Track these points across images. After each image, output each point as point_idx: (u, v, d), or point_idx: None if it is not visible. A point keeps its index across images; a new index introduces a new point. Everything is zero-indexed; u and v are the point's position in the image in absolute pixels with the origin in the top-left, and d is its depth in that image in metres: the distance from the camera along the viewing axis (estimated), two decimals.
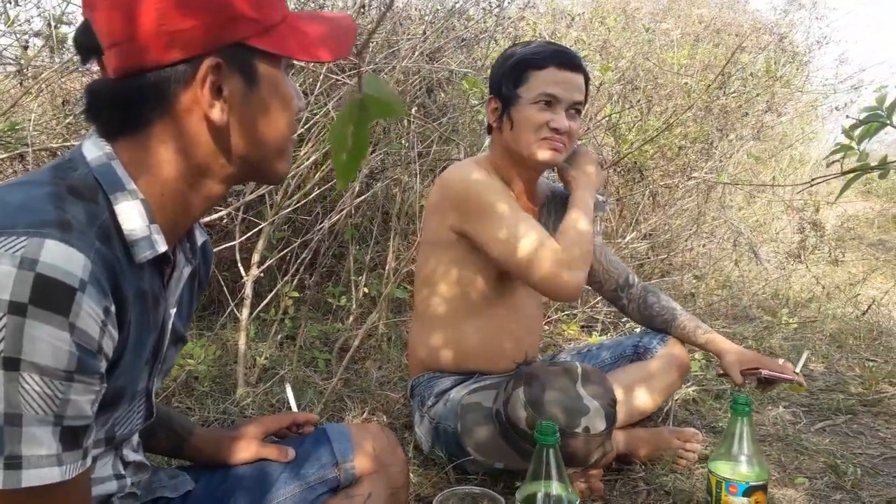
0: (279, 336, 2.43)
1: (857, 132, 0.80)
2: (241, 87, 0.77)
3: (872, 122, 0.71)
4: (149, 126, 0.77)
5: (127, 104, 0.76)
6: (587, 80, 1.59)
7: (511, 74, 1.53)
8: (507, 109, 1.56)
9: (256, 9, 0.75)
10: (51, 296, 0.64)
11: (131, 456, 0.93)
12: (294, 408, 1.26)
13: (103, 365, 0.71)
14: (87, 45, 0.76)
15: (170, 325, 0.87)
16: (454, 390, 1.60)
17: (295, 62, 0.88)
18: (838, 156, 0.87)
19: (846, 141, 0.85)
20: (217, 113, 0.76)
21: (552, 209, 1.75)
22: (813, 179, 1.18)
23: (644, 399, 1.70)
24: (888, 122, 0.64)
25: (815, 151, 6.06)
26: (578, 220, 1.52)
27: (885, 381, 2.45)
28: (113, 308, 0.71)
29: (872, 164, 0.85)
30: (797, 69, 4.00)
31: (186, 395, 2.01)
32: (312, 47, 0.80)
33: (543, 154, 1.54)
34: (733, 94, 3.55)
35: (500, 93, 1.57)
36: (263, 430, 1.15)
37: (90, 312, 0.67)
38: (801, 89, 4.07)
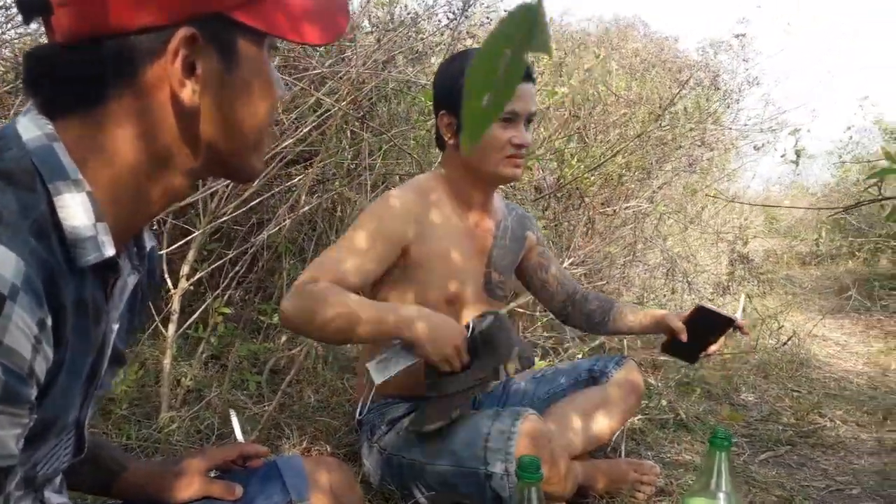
0: (203, 355, 2.25)
1: None
2: (217, 65, 0.66)
3: None
4: (103, 104, 0.64)
5: (79, 76, 0.63)
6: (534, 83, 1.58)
7: None
8: (455, 127, 1.53)
9: None
10: None
11: (54, 499, 0.78)
12: (240, 438, 1.12)
13: (34, 392, 0.57)
14: (32, 0, 0.63)
15: (110, 342, 0.73)
16: (408, 418, 1.50)
17: (278, 44, 0.77)
18: (874, 180, 0.85)
19: (886, 164, 0.82)
20: (188, 93, 0.64)
21: (509, 225, 1.70)
22: (857, 203, 1.16)
23: (603, 425, 1.65)
24: None
25: (735, 187, 6.33)
26: (359, 307, 1.32)
27: (815, 412, 2.51)
28: (49, 321, 0.57)
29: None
30: (727, 107, 4.16)
31: (103, 418, 1.80)
32: (303, 27, 0.70)
33: (508, 171, 1.52)
34: (667, 127, 3.64)
35: (454, 109, 1.52)
36: (208, 463, 1.01)
37: (21, 326, 0.53)
38: (729, 127, 4.22)
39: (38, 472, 0.70)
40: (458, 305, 1.59)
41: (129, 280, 0.75)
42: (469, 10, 2.25)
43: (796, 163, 4.81)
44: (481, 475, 1.30)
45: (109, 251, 0.65)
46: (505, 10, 3.10)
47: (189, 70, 0.64)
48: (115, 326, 0.74)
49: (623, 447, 1.89)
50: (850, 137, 8.35)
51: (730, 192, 5.70)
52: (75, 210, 0.62)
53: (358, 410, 1.60)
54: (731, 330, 1.65)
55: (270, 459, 1.07)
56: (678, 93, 2.99)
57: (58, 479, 0.80)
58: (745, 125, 4.74)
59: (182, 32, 0.62)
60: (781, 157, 5.94)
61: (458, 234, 1.56)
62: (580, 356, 2.67)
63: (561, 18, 5.49)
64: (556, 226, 3.35)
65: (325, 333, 1.31)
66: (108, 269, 0.68)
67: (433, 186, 1.56)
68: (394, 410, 1.54)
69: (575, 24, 5.83)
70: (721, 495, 1.15)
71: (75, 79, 0.63)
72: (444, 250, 1.52)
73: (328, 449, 1.75)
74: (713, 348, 1.67)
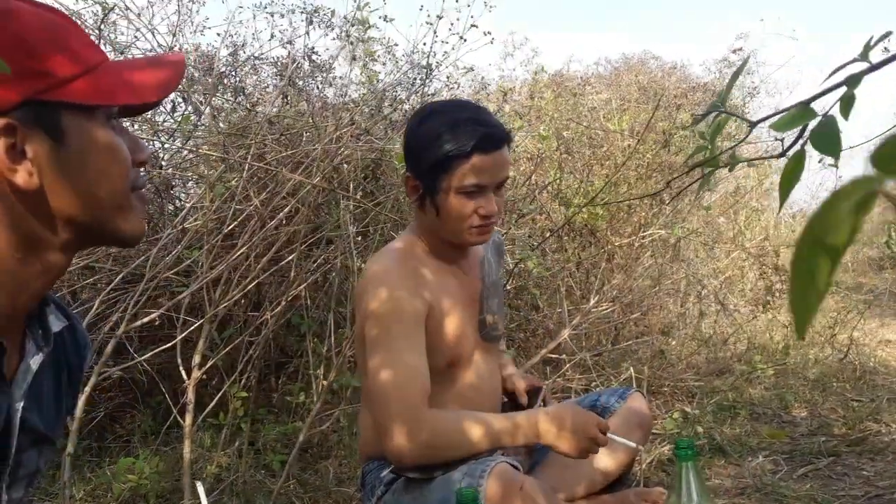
0: (237, 442, 2.31)
1: (702, 128, 0.76)
2: (48, 145, 0.70)
3: (712, 111, 0.67)
4: None
5: None
6: (510, 143, 1.45)
7: (433, 163, 1.38)
8: (431, 195, 1.41)
9: (49, 61, 0.69)
10: None
11: None
12: None
13: None
14: None
15: (16, 422, 0.78)
16: (402, 479, 1.49)
17: (115, 112, 0.81)
18: (699, 156, 0.84)
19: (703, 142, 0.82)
20: (23, 177, 0.69)
21: (490, 259, 1.63)
22: (669, 181, 1.14)
23: (605, 462, 1.59)
24: (725, 111, 0.60)
25: (775, 202, 6.13)
26: (487, 432, 1.32)
27: (870, 419, 2.35)
28: None
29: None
30: (735, 122, 4.09)
31: None
32: (124, 92, 0.74)
33: (474, 240, 1.44)
34: (678, 153, 3.60)
35: (420, 175, 1.42)
36: None
37: None
38: (745, 142, 4.14)
39: None
40: (459, 363, 1.53)
41: (33, 361, 0.80)
42: (433, 75, 2.34)
43: (836, 165, 4.66)
44: None
45: None
46: (464, 66, 3.21)
47: (21, 154, 0.69)
48: (20, 405, 0.79)
49: (642, 479, 1.82)
50: None
51: (772, 208, 5.52)
52: None
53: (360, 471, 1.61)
54: None
55: None
56: (654, 109, 2.97)
57: None
58: (764, 138, 4.63)
59: None
60: (819, 161, 5.76)
61: (450, 292, 1.50)
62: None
63: (566, 67, 5.57)
64: (578, 265, 3.32)
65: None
66: None
67: (410, 249, 1.49)
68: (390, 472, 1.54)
69: (582, 69, 5.91)
70: None
71: None
72: (443, 313, 1.47)
73: None
74: None
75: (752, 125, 0.51)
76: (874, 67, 0.48)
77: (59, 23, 0.74)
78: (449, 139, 1.36)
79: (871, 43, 0.50)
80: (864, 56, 0.49)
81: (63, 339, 0.87)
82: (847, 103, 0.48)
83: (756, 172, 5.39)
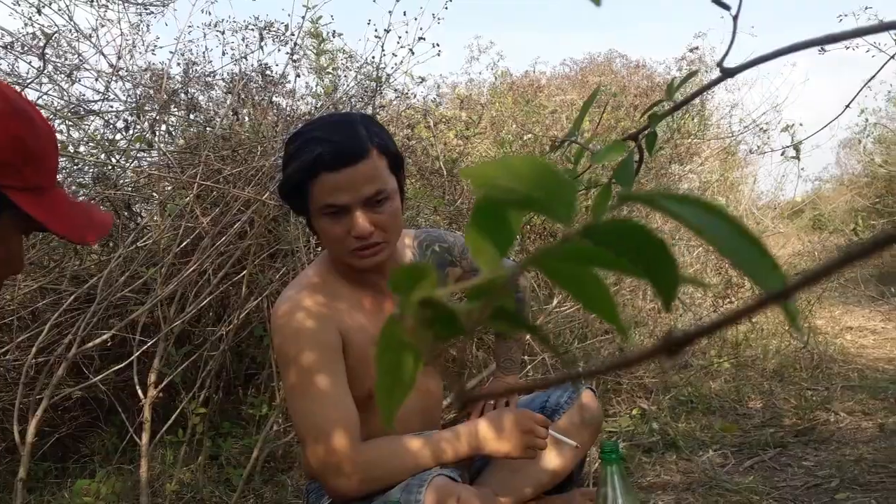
0: (199, 458, 2.31)
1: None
2: None
3: (568, 140, 0.70)
4: None
5: None
6: (390, 152, 1.31)
7: (291, 186, 1.30)
8: (307, 219, 1.35)
9: (24, 163, 0.73)
10: None
11: None
12: None
13: None
14: None
15: None
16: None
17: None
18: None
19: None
20: None
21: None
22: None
23: (553, 462, 1.62)
24: (577, 141, 0.63)
25: (745, 196, 6.22)
26: (426, 448, 1.32)
27: (821, 408, 2.41)
28: None
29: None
30: (692, 119, 4.16)
31: None
32: (69, 225, 0.79)
33: (362, 263, 1.33)
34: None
35: (288, 200, 1.36)
36: None
37: None
38: (701, 137, 4.22)
39: None
40: None
41: None
42: (382, 87, 2.36)
43: (797, 158, 4.75)
44: None
45: None
46: (418, 77, 3.25)
47: None
48: None
49: (590, 479, 1.86)
50: (867, 120, 8.14)
51: (739, 201, 5.61)
52: None
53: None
54: None
55: None
56: (600, 119, 3.03)
57: None
58: (730, 132, 4.72)
59: None
60: (781, 154, 5.87)
61: (368, 316, 1.41)
62: None
63: (533, 68, 5.63)
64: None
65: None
66: None
67: (322, 277, 1.40)
68: None
69: (549, 70, 5.97)
70: None
71: None
72: (362, 340, 1.39)
73: None
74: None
75: (594, 157, 0.53)
76: (677, 107, 0.52)
77: (52, 140, 0.79)
78: (297, 160, 1.27)
79: (675, 85, 0.53)
80: (669, 96, 0.53)
81: None
82: (650, 140, 0.52)
83: (720, 167, 5.48)
